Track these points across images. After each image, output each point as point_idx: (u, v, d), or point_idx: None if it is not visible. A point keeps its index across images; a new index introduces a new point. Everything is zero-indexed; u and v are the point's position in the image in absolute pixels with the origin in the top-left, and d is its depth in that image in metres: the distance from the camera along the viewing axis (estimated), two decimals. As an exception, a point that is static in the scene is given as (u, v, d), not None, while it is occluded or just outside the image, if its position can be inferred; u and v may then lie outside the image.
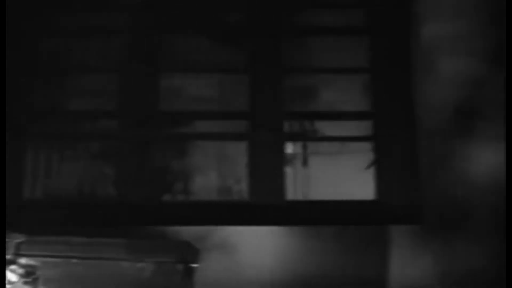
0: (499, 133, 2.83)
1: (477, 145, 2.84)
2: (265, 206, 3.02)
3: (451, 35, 2.94)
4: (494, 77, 2.88)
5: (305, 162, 3.15)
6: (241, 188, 3.13)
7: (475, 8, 2.94)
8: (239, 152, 3.16)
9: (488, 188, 2.80)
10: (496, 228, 2.75)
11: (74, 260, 2.49)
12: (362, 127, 3.15)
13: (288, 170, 3.13)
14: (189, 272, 2.58)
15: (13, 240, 2.44)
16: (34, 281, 2.43)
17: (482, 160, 2.83)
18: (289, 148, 3.14)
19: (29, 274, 2.42)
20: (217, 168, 3.17)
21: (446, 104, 2.90)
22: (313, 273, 2.81)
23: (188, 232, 2.85)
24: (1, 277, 2.32)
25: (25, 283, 2.41)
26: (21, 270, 2.42)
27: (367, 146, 3.13)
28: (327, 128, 3.23)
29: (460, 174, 2.84)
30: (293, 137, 3.14)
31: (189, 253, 2.60)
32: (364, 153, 3.12)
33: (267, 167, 3.10)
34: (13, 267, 2.42)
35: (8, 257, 2.40)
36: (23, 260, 2.44)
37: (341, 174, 3.09)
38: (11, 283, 2.40)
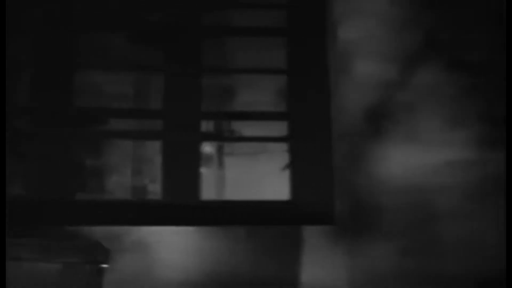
0: (409, 135, 2.90)
1: (388, 146, 2.90)
2: (180, 206, 3.00)
3: (366, 38, 2.99)
4: (406, 80, 2.95)
5: (221, 162, 3.15)
6: (155, 188, 3.10)
7: (389, 12, 3.00)
8: (154, 151, 3.13)
9: (399, 189, 2.87)
10: (407, 228, 2.82)
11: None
12: (279, 128, 3.17)
13: (204, 170, 3.12)
14: (99, 273, 2.54)
15: None
16: None
17: (393, 161, 2.89)
18: (205, 148, 3.13)
19: None
20: (132, 167, 3.13)
21: (359, 106, 2.95)
22: (226, 273, 2.80)
23: (101, 232, 2.80)
24: (1, 276, 2.28)
25: None
26: None
27: (284, 147, 3.14)
28: (244, 128, 3.23)
29: (372, 175, 2.89)
30: (209, 137, 3.13)
31: (99, 253, 2.56)
32: (281, 154, 3.13)
33: (182, 167, 3.08)
34: None
35: None
36: None
37: (257, 175, 3.10)
38: None
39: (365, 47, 2.99)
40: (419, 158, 2.90)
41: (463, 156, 2.88)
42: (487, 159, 2.87)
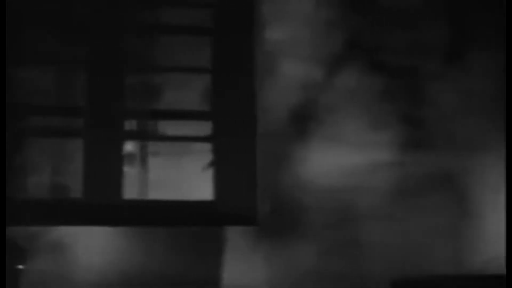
0: (332, 136, 2.93)
1: (312, 147, 2.92)
2: (101, 205, 2.94)
3: (292, 39, 3.00)
4: (330, 81, 2.97)
5: (144, 162, 3.11)
6: (76, 186, 3.03)
7: (315, 14, 3.01)
8: (75, 149, 3.06)
9: (321, 190, 2.88)
10: (327, 229, 2.84)
11: None
12: (204, 128, 3.15)
13: (127, 169, 3.07)
14: (15, 274, 2.47)
15: None
16: None
17: (317, 162, 2.91)
18: (129, 146, 3.08)
19: None
20: (52, 165, 3.06)
21: (284, 106, 2.96)
22: (148, 274, 2.76)
23: (19, 231, 2.73)
24: (1, 276, 2.24)
25: None
26: None
27: (208, 147, 3.12)
28: (169, 128, 3.20)
29: (295, 175, 2.90)
30: (133, 136, 3.08)
31: (15, 253, 2.49)
32: (206, 154, 3.11)
33: (104, 166, 3.02)
34: None
35: None
36: None
37: (181, 175, 3.08)
38: None
39: (291, 48, 2.99)
40: (342, 159, 2.92)
41: (384, 157, 2.92)
42: (408, 160, 2.92)
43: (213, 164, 3.03)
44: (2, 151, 2.62)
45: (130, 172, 3.06)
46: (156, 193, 3.07)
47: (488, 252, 2.89)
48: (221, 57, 3.17)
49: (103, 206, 2.95)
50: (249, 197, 2.96)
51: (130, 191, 3.03)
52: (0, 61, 2.77)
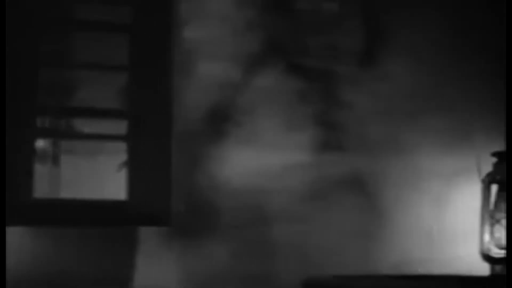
0: (249, 137, 2.93)
1: (228, 148, 2.91)
2: (10, 204, 2.85)
3: (210, 38, 2.98)
4: (247, 82, 2.97)
5: (56, 160, 3.04)
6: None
7: (233, 14, 3.01)
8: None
9: (236, 191, 2.88)
10: (240, 230, 2.84)
11: None
12: (120, 127, 3.10)
13: (38, 167, 2.99)
14: None
15: None
16: None
17: (232, 163, 2.91)
18: (41, 144, 3.01)
19: None
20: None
21: (201, 106, 2.94)
22: (58, 275, 2.70)
23: None
24: (1, 275, 2.19)
25: None
26: None
27: (123, 146, 3.08)
28: (85, 126, 3.14)
29: (210, 176, 2.89)
30: (45, 133, 3.01)
31: None
32: (120, 153, 3.07)
33: (16, 164, 2.93)
34: None
35: None
36: None
37: (96, 174, 3.02)
38: None
39: (209, 48, 2.98)
40: (257, 160, 2.93)
41: (299, 159, 2.94)
42: (321, 161, 2.95)
43: (126, 163, 2.99)
44: (2, 151, 2.60)
45: (41, 170, 2.98)
46: (68, 192, 3.00)
47: (397, 252, 2.95)
48: (138, 55, 3.12)
49: (13, 205, 2.87)
50: (163, 197, 2.92)
51: (41, 190, 2.96)
52: (0, 61, 2.73)
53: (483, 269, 2.60)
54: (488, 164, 2.67)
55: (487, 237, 2.60)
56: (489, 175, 2.65)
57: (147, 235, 2.81)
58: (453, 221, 2.97)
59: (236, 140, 2.93)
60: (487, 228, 2.61)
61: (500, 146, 2.66)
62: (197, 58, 2.97)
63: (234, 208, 2.86)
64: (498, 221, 2.59)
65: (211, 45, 2.98)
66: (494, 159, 2.67)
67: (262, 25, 3.02)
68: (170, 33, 3.09)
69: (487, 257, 2.59)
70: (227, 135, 2.93)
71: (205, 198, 2.87)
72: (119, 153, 3.03)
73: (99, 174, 3.04)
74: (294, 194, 2.91)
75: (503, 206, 2.61)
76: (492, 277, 2.55)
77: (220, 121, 2.94)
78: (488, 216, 2.61)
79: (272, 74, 3.00)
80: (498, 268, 2.55)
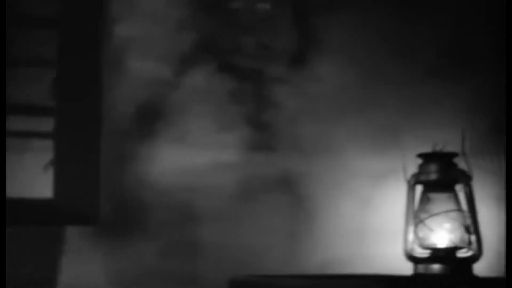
0: (180, 136, 2.92)
1: (158, 147, 2.90)
2: None
3: (142, 36, 2.96)
4: (178, 81, 2.96)
5: (-20, 157, 2.96)
6: None
7: (165, 12, 3.00)
8: None
9: (166, 190, 2.87)
10: (168, 229, 2.83)
11: None
12: (47, 124, 3.04)
13: (-39, 165, 2.90)
14: None
15: None
16: None
17: (163, 162, 2.89)
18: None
19: None
20: None
21: (131, 104, 2.92)
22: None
23: None
24: (1, 275, 2.23)
25: None
26: None
27: (50, 144, 3.02)
28: (11, 123, 3.06)
29: (140, 175, 2.87)
30: (-31, 130, 2.93)
31: None
32: (47, 151, 3.01)
33: None
34: None
35: None
36: None
37: (22, 172, 2.96)
38: None
39: (140, 46, 2.96)
40: (188, 160, 2.92)
41: (228, 158, 2.94)
42: (251, 161, 2.96)
43: (53, 162, 2.94)
44: (2, 151, 2.61)
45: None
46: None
47: (324, 252, 2.98)
48: (67, 51, 3.07)
49: None
50: (91, 196, 2.88)
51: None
52: (0, 61, 2.71)
53: (407, 268, 2.65)
54: (414, 165, 2.71)
55: (411, 237, 2.64)
56: (414, 176, 2.69)
57: (74, 234, 2.77)
58: (380, 221, 3.02)
59: (166, 139, 2.91)
60: (411, 228, 2.65)
61: (426, 147, 2.71)
62: (128, 56, 2.94)
63: (163, 207, 2.85)
64: (421, 221, 2.64)
65: (142, 43, 2.96)
66: (419, 160, 2.71)
67: (195, 24, 3.01)
68: (101, 29, 3.06)
69: (410, 257, 2.63)
70: (157, 133, 2.91)
71: (134, 197, 2.85)
72: (46, 151, 2.98)
73: (26, 172, 2.98)
74: (224, 193, 2.91)
75: (427, 206, 2.66)
76: (415, 276, 2.59)
77: (150, 120, 2.92)
78: (412, 216, 2.66)
79: (203, 73, 2.99)
80: (421, 267, 2.59)
